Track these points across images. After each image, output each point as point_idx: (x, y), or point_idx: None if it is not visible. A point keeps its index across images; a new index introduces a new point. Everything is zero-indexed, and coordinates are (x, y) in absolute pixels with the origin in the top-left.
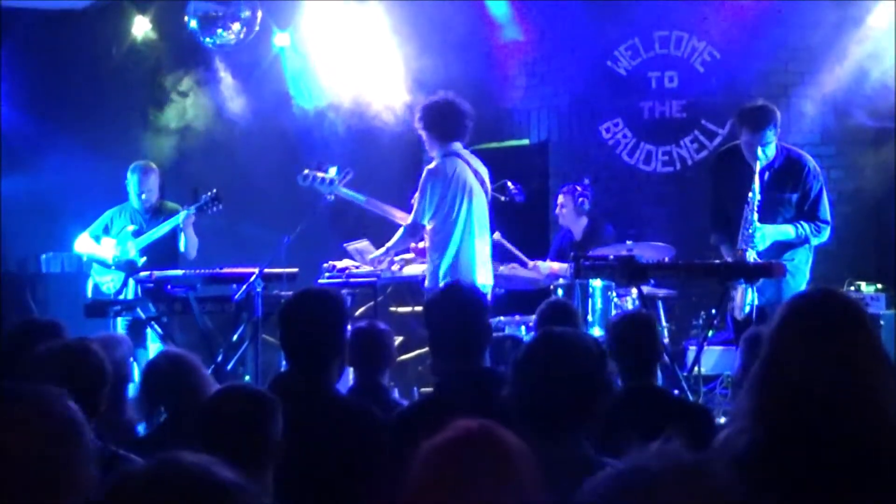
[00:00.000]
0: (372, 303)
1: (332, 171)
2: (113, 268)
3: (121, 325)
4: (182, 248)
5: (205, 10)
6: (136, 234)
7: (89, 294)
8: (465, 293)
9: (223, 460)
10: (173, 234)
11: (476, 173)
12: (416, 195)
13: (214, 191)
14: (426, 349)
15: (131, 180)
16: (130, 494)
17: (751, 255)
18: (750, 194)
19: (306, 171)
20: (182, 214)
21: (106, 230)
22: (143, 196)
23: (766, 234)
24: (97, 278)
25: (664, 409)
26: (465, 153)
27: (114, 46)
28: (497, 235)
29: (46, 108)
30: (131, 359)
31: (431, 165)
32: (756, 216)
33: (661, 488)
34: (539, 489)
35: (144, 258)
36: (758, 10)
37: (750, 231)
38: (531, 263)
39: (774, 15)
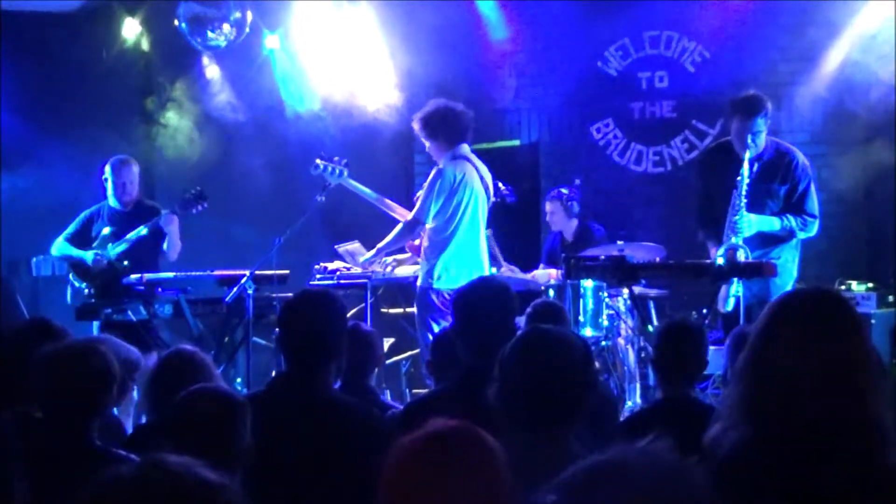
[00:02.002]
0: (363, 304)
1: (343, 162)
2: (93, 272)
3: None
4: (165, 247)
5: (194, 12)
6: (114, 236)
7: (69, 299)
8: (499, 288)
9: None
10: (154, 235)
11: (482, 178)
12: (421, 192)
13: (198, 188)
14: (417, 350)
15: (108, 175)
16: (115, 496)
17: (741, 255)
18: (738, 178)
19: (318, 161)
20: (163, 215)
21: (83, 233)
22: (125, 187)
23: (751, 222)
24: (77, 283)
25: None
26: (474, 157)
27: (104, 49)
28: (488, 232)
29: (37, 111)
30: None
31: (441, 165)
32: (744, 202)
33: (636, 483)
34: (515, 491)
35: (126, 262)
36: (748, 10)
37: (736, 218)
38: (530, 275)
39: (765, 15)
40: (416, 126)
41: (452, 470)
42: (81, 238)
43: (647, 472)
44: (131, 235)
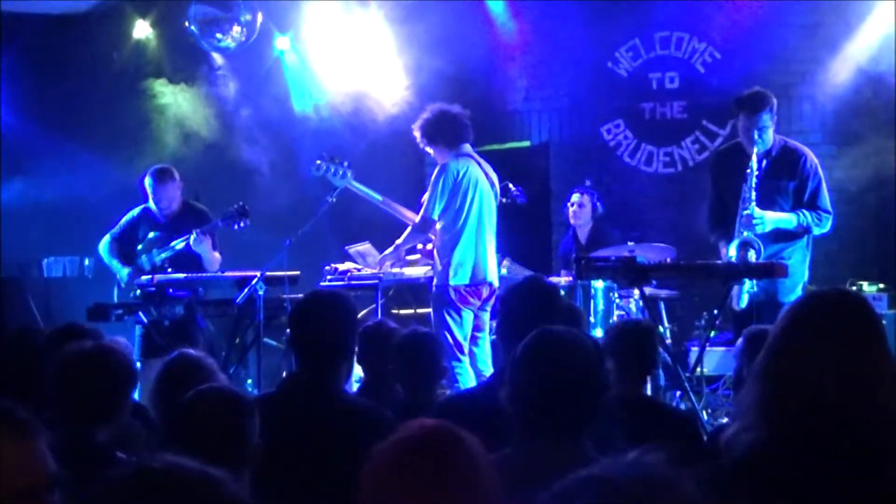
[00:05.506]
0: (374, 305)
1: (346, 164)
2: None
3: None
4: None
5: (205, 14)
6: (160, 241)
7: (115, 299)
8: (547, 288)
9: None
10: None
11: (487, 176)
12: (427, 193)
13: (241, 203)
14: None
15: (148, 187)
16: (114, 497)
17: (752, 255)
18: (747, 171)
19: (319, 161)
20: (192, 238)
21: (130, 233)
22: (163, 202)
23: (764, 218)
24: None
25: (654, 418)
26: (476, 156)
27: (114, 50)
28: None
29: (47, 113)
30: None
31: (443, 162)
32: (754, 195)
33: (619, 495)
34: (499, 492)
35: (170, 269)
36: (758, 11)
37: (748, 212)
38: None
39: (775, 15)
40: (416, 135)
41: (431, 473)
42: (128, 238)
43: (632, 484)
44: (174, 244)
